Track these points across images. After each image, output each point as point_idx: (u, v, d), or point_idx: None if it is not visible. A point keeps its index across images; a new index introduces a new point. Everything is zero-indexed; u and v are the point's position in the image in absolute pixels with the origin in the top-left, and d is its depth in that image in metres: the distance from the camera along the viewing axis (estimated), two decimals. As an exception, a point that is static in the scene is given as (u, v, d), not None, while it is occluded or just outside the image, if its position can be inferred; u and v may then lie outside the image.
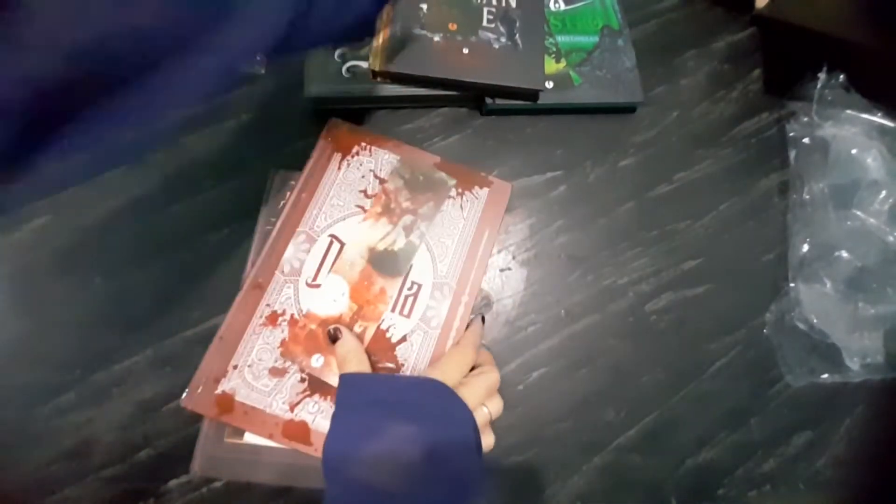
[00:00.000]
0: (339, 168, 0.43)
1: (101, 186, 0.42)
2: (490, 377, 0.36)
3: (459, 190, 0.44)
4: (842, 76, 0.50)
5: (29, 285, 0.40)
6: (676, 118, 0.52)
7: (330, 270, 0.40)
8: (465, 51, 0.45)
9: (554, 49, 0.50)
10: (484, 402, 0.34)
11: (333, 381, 0.37)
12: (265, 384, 0.37)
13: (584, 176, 0.49)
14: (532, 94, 0.48)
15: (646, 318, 0.46)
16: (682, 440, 0.43)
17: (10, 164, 0.22)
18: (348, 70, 0.45)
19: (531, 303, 0.45)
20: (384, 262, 0.41)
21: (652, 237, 0.48)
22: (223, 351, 0.37)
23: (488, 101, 0.47)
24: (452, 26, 0.46)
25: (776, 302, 0.47)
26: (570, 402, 0.43)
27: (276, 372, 0.37)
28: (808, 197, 0.49)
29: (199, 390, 0.36)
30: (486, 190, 0.45)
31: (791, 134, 0.52)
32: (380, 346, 0.39)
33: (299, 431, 0.36)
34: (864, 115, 0.49)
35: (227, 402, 0.36)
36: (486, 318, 0.44)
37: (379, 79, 0.45)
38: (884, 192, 0.47)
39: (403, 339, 0.39)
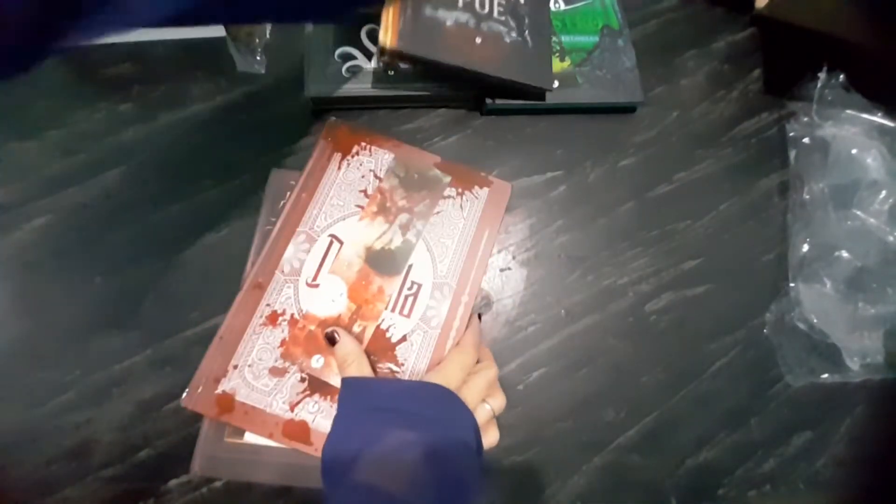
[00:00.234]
0: (339, 168, 0.43)
1: (102, 186, 0.42)
2: (489, 373, 0.36)
3: (459, 189, 0.44)
4: (842, 76, 0.50)
5: (29, 285, 0.40)
6: (676, 118, 0.52)
7: (328, 271, 0.40)
8: (478, 40, 0.44)
9: (558, 48, 0.50)
10: (485, 398, 0.35)
11: (334, 381, 0.37)
12: (265, 384, 0.37)
13: (584, 176, 0.49)
14: (540, 94, 0.47)
15: (646, 318, 0.46)
16: (682, 440, 0.43)
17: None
18: (348, 70, 0.45)
19: (531, 303, 0.45)
20: (381, 262, 0.41)
21: (652, 237, 0.48)
22: (223, 351, 0.37)
23: (488, 101, 0.47)
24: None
25: (776, 302, 0.47)
26: (570, 402, 0.43)
27: (277, 372, 0.37)
28: (808, 197, 0.49)
29: (199, 390, 0.36)
30: (486, 190, 0.45)
31: (791, 134, 0.52)
32: (380, 346, 0.39)
33: (299, 431, 0.36)
34: (864, 115, 0.49)
35: (227, 402, 0.36)
36: (486, 317, 0.44)
37: (386, 59, 0.43)
38: (884, 192, 0.47)
39: (403, 338, 0.39)
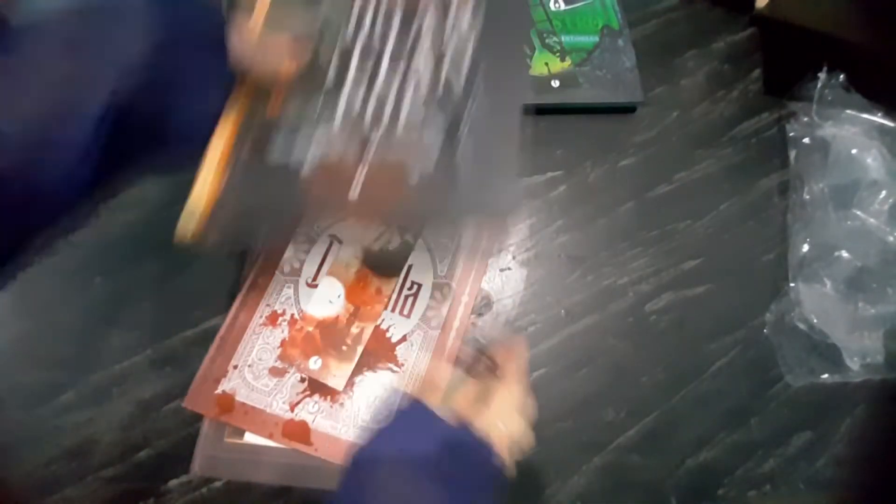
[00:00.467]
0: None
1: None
2: (529, 413, 0.34)
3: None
4: (842, 76, 0.50)
5: (29, 285, 0.40)
6: (676, 118, 0.52)
7: (326, 272, 0.40)
8: (356, 192, 0.28)
9: (558, 48, 0.50)
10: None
11: (331, 382, 0.37)
12: (265, 384, 0.37)
13: (584, 176, 0.49)
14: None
15: (646, 318, 0.46)
16: (682, 440, 0.43)
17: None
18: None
19: (531, 303, 0.45)
20: (379, 263, 0.41)
21: (652, 237, 0.48)
22: (223, 351, 0.37)
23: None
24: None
25: (776, 302, 0.47)
26: (570, 402, 0.43)
27: (277, 372, 0.37)
28: (808, 197, 0.49)
29: (200, 390, 0.36)
30: (486, 190, 0.45)
31: (791, 134, 0.51)
32: (380, 346, 0.39)
33: (299, 431, 0.36)
34: (865, 115, 0.49)
35: (227, 402, 0.36)
36: (486, 317, 0.44)
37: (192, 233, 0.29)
38: (884, 192, 0.47)
39: (403, 338, 0.39)
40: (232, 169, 0.28)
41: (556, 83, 0.49)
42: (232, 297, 0.38)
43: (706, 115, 0.53)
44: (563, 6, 0.52)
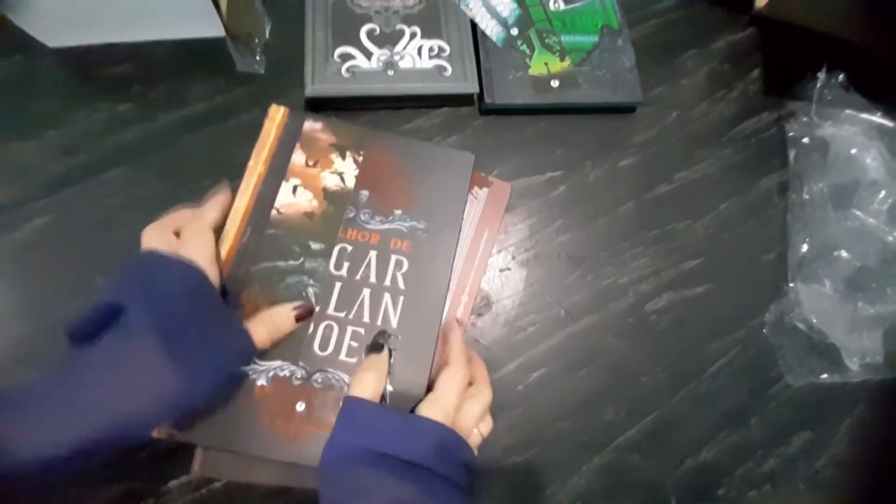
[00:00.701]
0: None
1: (102, 186, 0.42)
2: (484, 400, 0.34)
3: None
4: (841, 76, 0.50)
5: (29, 285, 0.40)
6: (676, 118, 0.52)
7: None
8: (300, 407, 0.34)
9: (558, 47, 0.50)
10: (477, 425, 0.34)
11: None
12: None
13: (584, 176, 0.49)
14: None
15: (646, 318, 0.46)
16: (682, 440, 0.43)
17: None
18: (348, 70, 0.46)
19: (531, 303, 0.45)
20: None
21: (652, 237, 0.48)
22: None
23: (487, 100, 0.47)
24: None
25: (776, 302, 0.47)
26: (570, 402, 0.43)
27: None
28: (807, 197, 0.49)
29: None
30: (485, 190, 0.45)
31: (790, 134, 0.52)
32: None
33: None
34: (864, 115, 0.49)
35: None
36: (486, 318, 0.44)
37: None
38: (883, 192, 0.47)
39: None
40: None
41: (555, 83, 0.49)
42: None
43: (706, 115, 0.53)
44: (562, 6, 0.52)
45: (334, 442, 0.31)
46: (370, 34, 0.47)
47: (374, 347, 0.35)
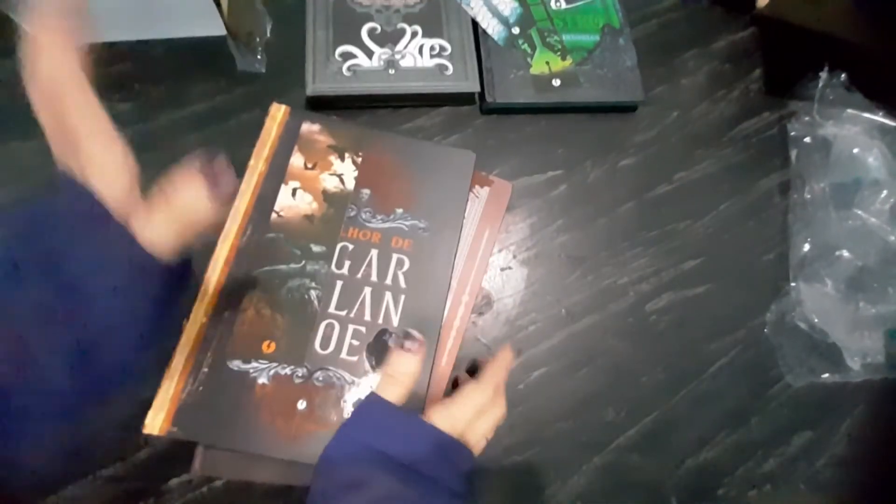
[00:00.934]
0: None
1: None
2: (497, 415, 0.34)
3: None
4: (843, 75, 0.50)
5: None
6: (676, 118, 0.52)
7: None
8: (301, 405, 0.34)
9: (559, 46, 0.50)
10: (484, 436, 0.33)
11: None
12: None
13: (584, 176, 0.49)
14: None
15: (646, 318, 0.46)
16: (682, 440, 0.43)
17: None
18: (349, 69, 0.45)
19: (531, 302, 0.45)
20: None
21: (652, 237, 0.48)
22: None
23: (488, 99, 0.47)
24: (269, 347, 0.35)
25: (776, 302, 0.47)
26: (570, 402, 0.43)
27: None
28: (808, 196, 0.49)
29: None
30: (486, 189, 0.45)
31: (792, 133, 0.51)
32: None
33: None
34: (866, 115, 0.49)
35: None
36: (486, 317, 0.44)
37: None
38: (885, 192, 0.47)
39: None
40: (194, 374, 0.34)
41: (556, 82, 0.49)
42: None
43: (706, 115, 0.53)
44: (564, 5, 0.52)
45: (340, 435, 0.31)
46: (371, 33, 0.47)
47: (398, 346, 0.34)
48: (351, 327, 0.36)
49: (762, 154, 0.53)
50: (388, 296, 0.37)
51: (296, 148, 0.40)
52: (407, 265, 0.38)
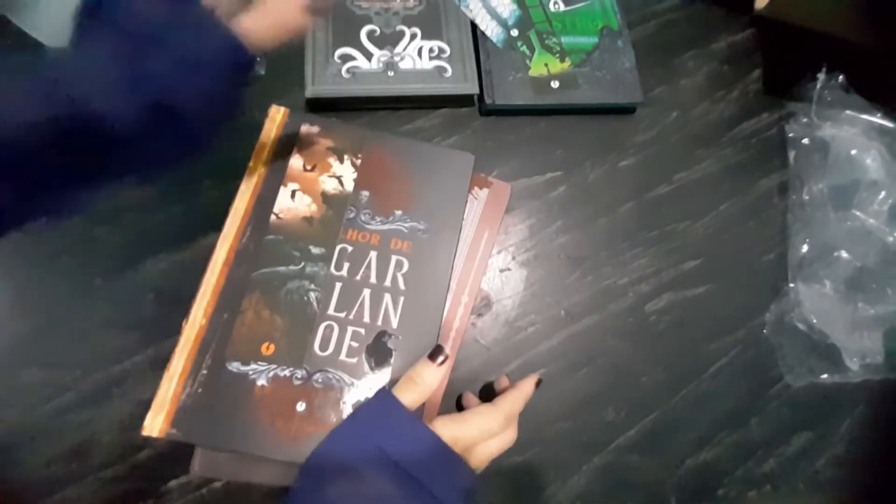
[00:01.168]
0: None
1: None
2: (507, 441, 0.34)
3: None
4: (841, 77, 0.50)
5: (29, 285, 0.40)
6: (676, 118, 0.53)
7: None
8: (301, 407, 0.34)
9: (558, 48, 0.50)
10: (489, 459, 0.33)
11: None
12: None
13: (583, 176, 0.49)
14: None
15: (646, 319, 0.46)
16: (682, 440, 0.43)
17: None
18: (348, 71, 0.46)
19: (531, 303, 0.45)
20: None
21: (652, 237, 0.48)
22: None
23: (487, 100, 0.47)
24: (269, 348, 0.35)
25: (776, 302, 0.47)
26: (570, 402, 0.43)
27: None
28: (807, 197, 0.49)
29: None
30: (485, 190, 0.45)
31: (791, 134, 0.52)
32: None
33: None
34: (864, 116, 0.49)
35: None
36: (486, 318, 0.44)
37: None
38: (883, 193, 0.47)
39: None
40: (194, 376, 0.34)
41: (555, 84, 0.49)
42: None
43: (706, 116, 0.53)
44: (562, 7, 0.52)
45: (345, 423, 0.31)
46: (370, 35, 0.47)
47: (435, 354, 0.34)
48: (350, 329, 0.36)
49: (762, 155, 0.53)
50: (388, 297, 0.37)
51: (295, 150, 0.40)
52: (406, 267, 0.38)
